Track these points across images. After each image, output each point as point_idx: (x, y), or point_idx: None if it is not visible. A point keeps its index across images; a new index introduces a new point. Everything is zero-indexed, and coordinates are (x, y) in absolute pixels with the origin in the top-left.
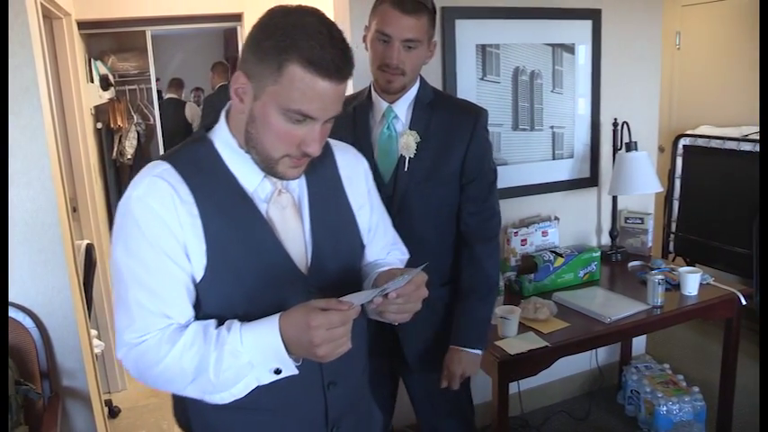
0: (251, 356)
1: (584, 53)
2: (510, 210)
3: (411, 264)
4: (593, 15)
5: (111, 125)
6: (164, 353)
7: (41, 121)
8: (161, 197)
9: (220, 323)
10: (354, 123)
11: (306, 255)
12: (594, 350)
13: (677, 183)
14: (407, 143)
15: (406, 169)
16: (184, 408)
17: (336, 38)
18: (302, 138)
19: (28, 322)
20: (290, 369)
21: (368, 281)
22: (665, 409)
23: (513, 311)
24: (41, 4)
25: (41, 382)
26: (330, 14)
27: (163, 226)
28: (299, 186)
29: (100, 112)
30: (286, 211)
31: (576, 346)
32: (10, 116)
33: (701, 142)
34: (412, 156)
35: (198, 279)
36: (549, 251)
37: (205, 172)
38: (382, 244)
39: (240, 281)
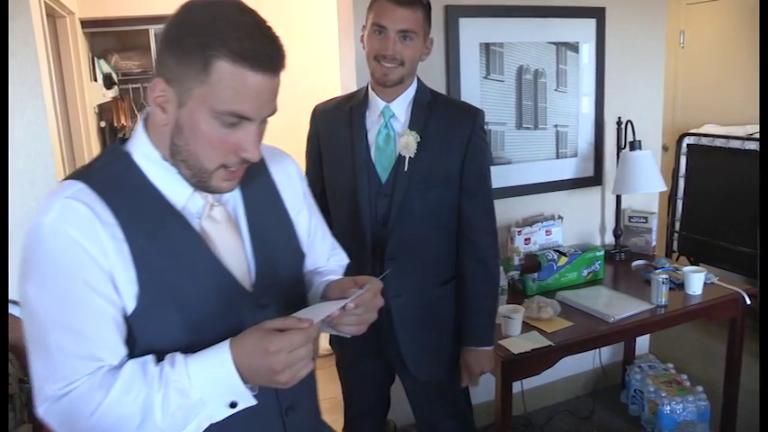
0: (201, 393)
1: (587, 52)
2: (513, 209)
3: (402, 266)
4: (598, 14)
5: (115, 124)
6: (97, 401)
7: (45, 120)
8: (79, 222)
9: (160, 358)
10: (351, 122)
11: (249, 270)
12: (598, 349)
13: (681, 182)
14: (408, 143)
15: (405, 169)
16: None
17: (263, 26)
18: (238, 143)
19: None
20: (247, 400)
21: (314, 292)
22: (668, 408)
23: (517, 311)
24: (45, 2)
25: None
26: (334, 20)
27: (83, 255)
28: (232, 197)
29: (103, 111)
30: (222, 226)
31: (580, 346)
32: (14, 115)
33: (705, 141)
34: (412, 155)
35: (129, 311)
36: (552, 250)
37: (126, 189)
38: (322, 250)
39: (179, 307)
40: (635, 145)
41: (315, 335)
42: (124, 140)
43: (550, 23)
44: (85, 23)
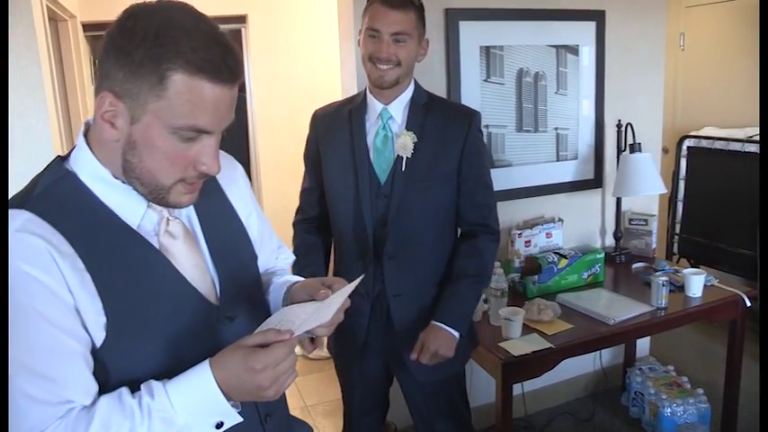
0: (186, 418)
1: (588, 54)
2: (514, 211)
3: (401, 266)
4: (597, 17)
5: None
6: None
7: (47, 123)
8: (35, 257)
9: (136, 387)
10: (351, 126)
11: (212, 283)
12: (598, 352)
13: (681, 184)
14: (405, 143)
15: (403, 169)
16: None
17: (217, 33)
18: (196, 157)
19: None
20: (232, 419)
21: (274, 293)
22: (669, 410)
23: (517, 313)
24: (47, 6)
25: None
26: (335, 25)
27: (45, 293)
28: (185, 210)
29: None
30: (179, 241)
31: (580, 348)
32: (15, 117)
33: (705, 143)
34: (409, 156)
35: (99, 343)
36: (553, 252)
37: (77, 214)
38: (270, 250)
39: (149, 331)
40: (635, 147)
41: (296, 344)
42: (64, 158)
43: (550, 26)
44: (87, 27)
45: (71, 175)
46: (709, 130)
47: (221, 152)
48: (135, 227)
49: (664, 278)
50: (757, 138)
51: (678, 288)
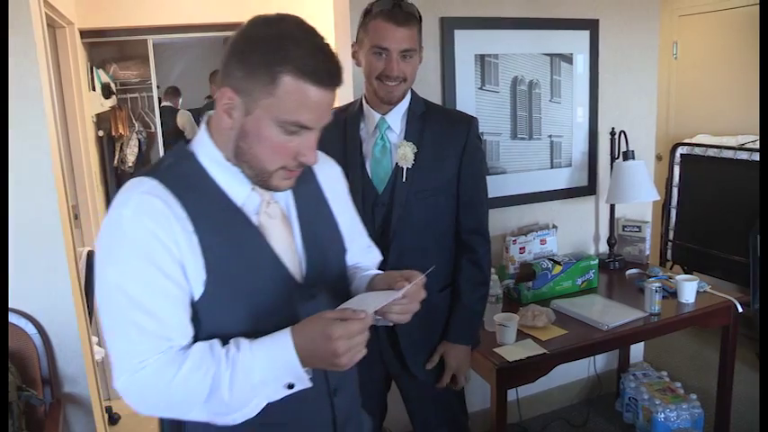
0: (263, 374)
1: (582, 63)
2: (508, 218)
3: (407, 269)
4: (591, 26)
5: (113, 133)
6: (169, 377)
7: (45, 129)
8: (155, 215)
9: (224, 342)
10: (345, 135)
11: (299, 263)
12: (592, 357)
13: (675, 191)
14: (405, 154)
15: (404, 180)
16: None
17: (323, 44)
18: (298, 149)
19: (30, 328)
20: (303, 383)
21: (356, 285)
22: (662, 416)
23: (512, 319)
24: (45, 13)
25: (43, 389)
26: (330, 27)
27: (159, 244)
28: (284, 196)
29: (101, 120)
30: (276, 222)
31: (575, 354)
32: (14, 125)
33: (698, 151)
34: (410, 166)
35: (197, 297)
36: (547, 259)
37: (193, 187)
38: (359, 247)
39: (239, 294)
40: (628, 155)
41: (369, 323)
42: (188, 141)
43: (545, 35)
44: (84, 33)
45: (191, 155)
46: (702, 138)
47: (324, 155)
48: (239, 205)
49: (657, 284)
50: (749, 145)
51: (671, 294)
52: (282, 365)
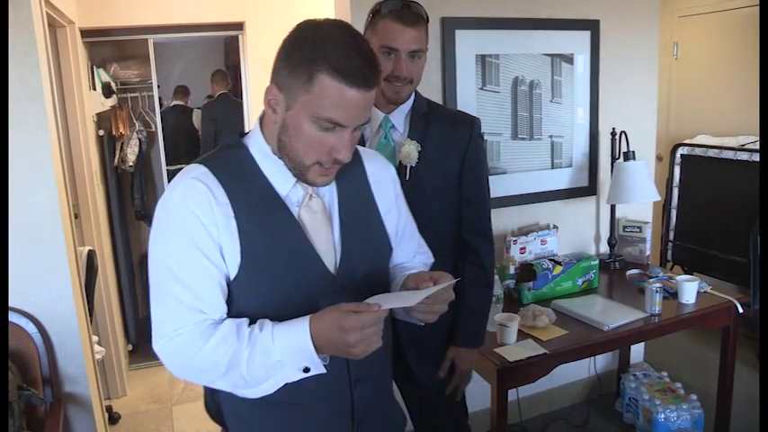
0: (281, 355)
1: (582, 63)
2: (509, 218)
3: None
4: (592, 26)
5: (113, 132)
6: (198, 346)
7: (46, 129)
8: (198, 198)
9: (252, 322)
10: None
11: (335, 256)
12: (593, 358)
13: (675, 192)
14: (409, 152)
15: (407, 178)
16: (216, 399)
17: (363, 48)
18: (333, 145)
19: (30, 328)
20: (318, 368)
21: (395, 283)
22: (663, 416)
23: (512, 319)
24: (46, 12)
25: (43, 388)
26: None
27: (200, 226)
28: (329, 192)
29: (102, 120)
30: (316, 215)
31: (575, 354)
32: (16, 123)
33: (698, 151)
34: (413, 165)
35: (232, 278)
36: (547, 259)
37: (240, 176)
38: (408, 248)
39: (271, 280)
40: (629, 155)
41: (384, 316)
42: (243, 134)
43: (545, 35)
44: (85, 33)
45: (243, 146)
46: (703, 138)
47: (379, 155)
48: (282, 196)
49: (657, 285)
50: (750, 146)
51: (672, 295)
52: (299, 350)
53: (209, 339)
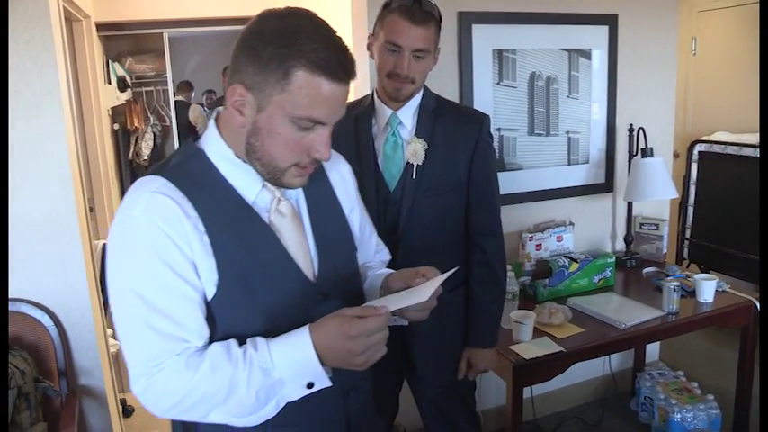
0: (282, 373)
1: (599, 58)
2: (525, 215)
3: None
4: (610, 21)
5: (128, 126)
6: (186, 379)
7: (62, 122)
8: (166, 214)
9: (240, 342)
10: (357, 131)
11: (311, 261)
12: (608, 356)
13: (692, 189)
14: (416, 150)
15: (414, 177)
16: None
17: (335, 38)
18: (310, 144)
19: (46, 320)
20: (323, 382)
21: (369, 284)
22: (679, 416)
23: (528, 316)
24: (62, 6)
25: (59, 380)
26: (348, 20)
27: (170, 244)
28: (294, 193)
29: (117, 114)
30: (287, 219)
31: (590, 352)
32: (32, 117)
33: (716, 148)
34: (420, 163)
35: (210, 297)
36: (563, 256)
37: (203, 185)
38: (369, 246)
39: (252, 294)
40: (646, 152)
41: (388, 320)
42: (196, 138)
43: (563, 30)
44: (101, 27)
45: (200, 152)
46: (721, 135)
47: (334, 152)
48: (250, 202)
49: (675, 283)
50: None
51: (689, 293)
52: (301, 364)
53: (197, 369)
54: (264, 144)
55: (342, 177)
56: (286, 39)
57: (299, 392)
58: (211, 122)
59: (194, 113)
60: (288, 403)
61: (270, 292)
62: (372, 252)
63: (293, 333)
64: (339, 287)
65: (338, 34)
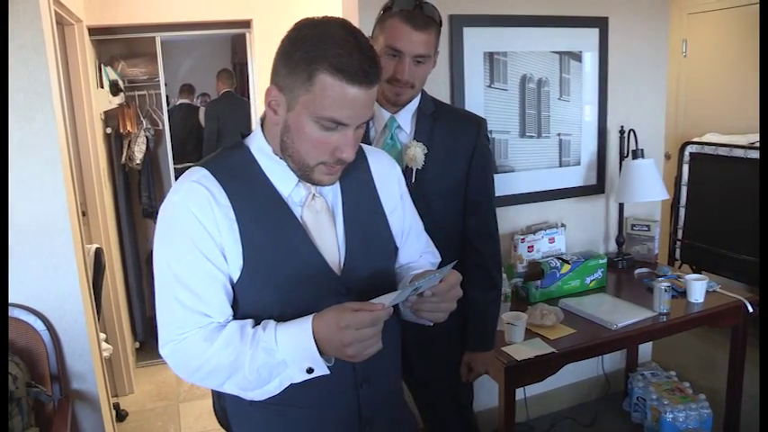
0: (285, 355)
1: (590, 61)
2: (517, 216)
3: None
4: (600, 23)
5: (121, 130)
6: (203, 350)
7: (54, 126)
8: (199, 201)
9: (257, 323)
10: None
11: (339, 257)
12: (601, 357)
13: (684, 190)
14: (415, 154)
15: (413, 181)
16: (223, 403)
17: (363, 45)
18: (336, 144)
19: (39, 325)
20: (321, 369)
21: (402, 283)
22: (671, 416)
23: (520, 317)
24: (54, 10)
25: (52, 385)
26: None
27: (201, 229)
28: (332, 191)
29: (109, 118)
30: (320, 215)
31: (583, 353)
32: (24, 121)
33: (707, 150)
34: (419, 167)
35: (235, 280)
36: (555, 258)
37: (242, 177)
38: (415, 247)
39: (274, 282)
40: (637, 153)
41: (384, 318)
42: (245, 136)
43: (554, 33)
44: (93, 31)
45: (245, 147)
46: (712, 137)
47: (384, 153)
48: (284, 197)
49: (666, 284)
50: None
51: (680, 294)
52: (302, 349)
53: (213, 342)
54: (294, 141)
55: (387, 178)
56: (315, 44)
57: (300, 376)
58: (258, 121)
59: (203, 116)
60: (300, 387)
61: (292, 281)
62: (417, 253)
63: (300, 320)
64: (366, 283)
65: (367, 42)
